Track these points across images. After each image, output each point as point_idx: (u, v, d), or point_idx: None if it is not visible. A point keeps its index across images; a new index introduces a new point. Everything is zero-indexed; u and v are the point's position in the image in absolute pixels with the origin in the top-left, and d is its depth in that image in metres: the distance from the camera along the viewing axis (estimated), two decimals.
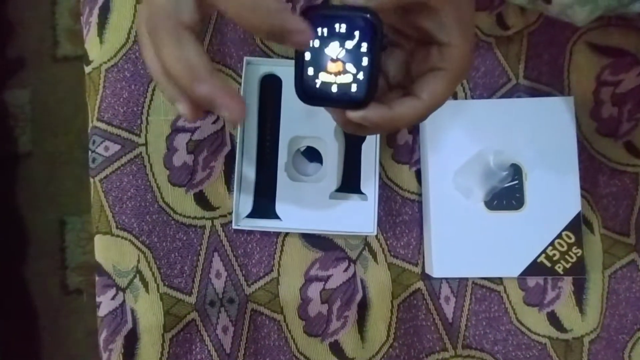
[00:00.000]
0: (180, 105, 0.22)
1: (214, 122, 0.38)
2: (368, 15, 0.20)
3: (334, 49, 0.21)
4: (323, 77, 0.22)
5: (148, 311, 0.36)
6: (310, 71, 0.22)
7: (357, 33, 0.21)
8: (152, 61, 0.21)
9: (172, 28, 0.19)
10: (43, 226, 0.93)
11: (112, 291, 0.36)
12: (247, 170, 0.37)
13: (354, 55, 0.21)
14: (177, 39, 0.20)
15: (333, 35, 0.21)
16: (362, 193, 0.37)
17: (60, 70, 0.93)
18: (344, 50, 0.21)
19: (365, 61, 0.21)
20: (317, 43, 0.21)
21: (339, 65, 0.21)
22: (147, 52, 0.22)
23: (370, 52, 0.21)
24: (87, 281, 0.93)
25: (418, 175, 0.38)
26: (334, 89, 0.22)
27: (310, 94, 0.22)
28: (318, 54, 0.21)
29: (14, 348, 0.85)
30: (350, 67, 0.22)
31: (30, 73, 0.94)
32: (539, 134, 0.36)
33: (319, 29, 0.21)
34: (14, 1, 0.94)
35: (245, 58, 0.36)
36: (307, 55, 0.21)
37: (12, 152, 0.93)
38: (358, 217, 0.36)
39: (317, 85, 0.22)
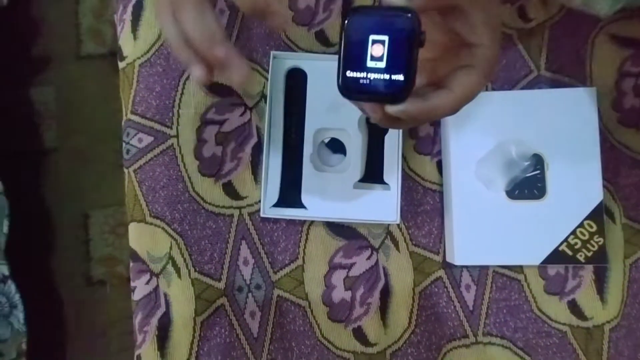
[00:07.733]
0: (195, 67, 0.25)
1: (241, 115, 0.39)
2: (409, 15, 0.22)
3: (375, 46, 0.22)
4: (364, 72, 0.23)
5: (180, 296, 0.38)
6: (352, 66, 0.23)
7: (397, 30, 0.22)
8: (169, 26, 0.25)
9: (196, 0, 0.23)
10: (68, 220, 0.96)
11: (146, 276, 0.38)
12: (273, 161, 0.38)
13: (394, 52, 0.22)
14: (200, 9, 0.24)
15: (375, 33, 0.22)
16: (385, 183, 0.38)
17: (84, 68, 0.96)
18: (384, 47, 0.22)
19: (404, 57, 0.22)
20: (359, 39, 0.22)
21: (380, 61, 0.23)
22: (165, 17, 0.25)
23: (409, 49, 0.22)
24: (110, 273, 0.95)
25: (439, 166, 0.39)
26: (375, 83, 0.23)
27: (352, 88, 0.23)
28: (360, 50, 0.23)
29: (40, 336, 0.88)
30: (391, 63, 0.23)
31: (55, 71, 0.96)
32: (561, 124, 0.37)
33: (363, 26, 0.22)
34: (38, 0, 0.97)
35: (271, 52, 0.38)
36: (350, 51, 0.23)
37: (38, 148, 0.96)
38: (381, 206, 0.37)
39: (358, 80, 0.23)
